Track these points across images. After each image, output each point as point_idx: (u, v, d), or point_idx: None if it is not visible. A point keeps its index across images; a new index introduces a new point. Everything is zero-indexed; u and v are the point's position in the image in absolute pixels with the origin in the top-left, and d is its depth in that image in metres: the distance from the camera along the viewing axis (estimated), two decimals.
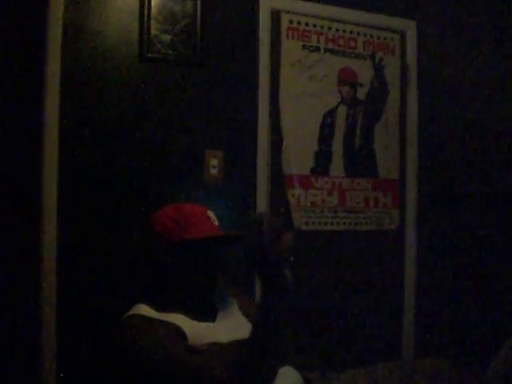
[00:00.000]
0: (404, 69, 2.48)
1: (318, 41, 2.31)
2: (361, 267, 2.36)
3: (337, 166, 2.35)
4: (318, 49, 2.31)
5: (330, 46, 2.34)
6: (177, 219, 1.35)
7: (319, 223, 2.30)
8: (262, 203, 2.16)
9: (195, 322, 1.28)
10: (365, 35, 2.41)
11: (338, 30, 2.35)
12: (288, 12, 2.25)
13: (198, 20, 2.05)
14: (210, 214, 1.41)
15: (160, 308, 1.29)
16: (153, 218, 1.40)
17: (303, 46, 2.28)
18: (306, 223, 2.27)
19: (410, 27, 2.49)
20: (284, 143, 2.24)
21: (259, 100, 2.18)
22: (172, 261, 1.34)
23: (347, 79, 2.37)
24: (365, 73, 2.41)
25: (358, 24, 2.38)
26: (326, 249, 2.30)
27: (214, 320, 1.36)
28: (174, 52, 2.02)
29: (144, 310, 1.29)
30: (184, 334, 1.22)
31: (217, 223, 1.41)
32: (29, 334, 1.79)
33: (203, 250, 1.35)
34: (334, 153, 2.34)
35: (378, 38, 2.44)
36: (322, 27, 2.32)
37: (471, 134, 2.60)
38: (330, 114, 2.34)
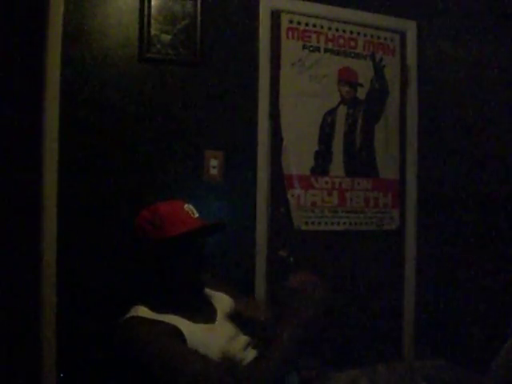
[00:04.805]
0: (404, 69, 2.48)
1: (318, 41, 2.31)
2: (361, 267, 2.36)
3: (337, 165, 2.35)
4: (318, 49, 2.31)
5: (330, 46, 2.34)
6: (152, 221, 1.36)
7: (319, 223, 2.30)
8: (261, 203, 2.16)
9: (194, 324, 1.28)
10: (365, 35, 2.41)
11: (337, 30, 2.35)
12: (288, 12, 2.25)
13: (198, 20, 2.05)
14: (188, 207, 1.41)
15: (158, 309, 1.29)
16: (133, 224, 1.41)
17: (303, 45, 2.28)
18: (306, 223, 2.27)
19: (410, 27, 2.49)
20: (284, 143, 2.24)
21: (259, 100, 2.18)
22: (157, 261, 1.35)
23: (347, 79, 2.37)
24: (365, 73, 2.41)
25: (358, 24, 2.38)
26: (326, 249, 2.30)
27: (214, 321, 1.36)
28: (173, 52, 2.02)
29: (142, 311, 1.29)
30: (182, 334, 1.22)
31: (196, 215, 1.40)
32: (29, 333, 1.79)
33: (184, 244, 1.35)
34: (333, 153, 2.34)
35: (378, 37, 2.43)
36: (322, 27, 2.32)
37: (471, 134, 2.60)
38: (330, 113, 2.34)
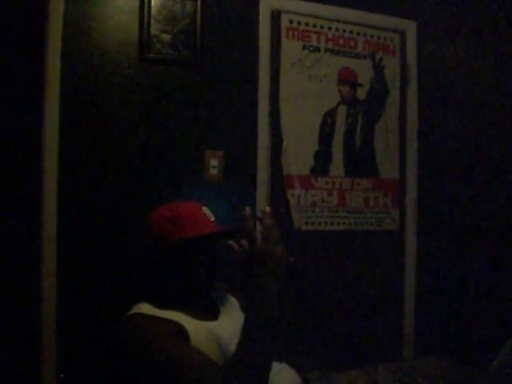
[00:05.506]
0: (404, 69, 2.48)
1: (318, 41, 2.31)
2: (361, 267, 2.36)
3: (337, 165, 2.35)
4: (318, 49, 2.31)
5: (330, 45, 2.34)
6: (173, 219, 1.34)
7: (319, 223, 2.30)
8: (261, 203, 2.16)
9: (197, 321, 1.27)
10: (365, 35, 2.41)
11: (338, 30, 2.35)
12: (288, 12, 2.25)
13: (198, 20, 2.05)
14: (206, 210, 1.41)
15: (161, 306, 1.29)
16: (150, 220, 1.40)
17: (303, 45, 2.29)
18: (306, 223, 2.27)
19: (410, 27, 2.49)
20: (284, 143, 2.24)
21: (259, 100, 2.18)
22: (171, 260, 1.34)
23: (347, 79, 2.37)
24: (365, 73, 2.41)
25: (358, 24, 2.38)
26: (325, 249, 2.30)
27: (216, 319, 1.36)
28: (174, 52, 2.02)
29: (145, 308, 1.29)
30: (186, 332, 1.22)
31: (213, 219, 1.41)
32: (29, 333, 1.79)
33: (202, 247, 1.35)
34: (333, 153, 2.34)
35: (378, 37, 2.44)
36: (321, 27, 2.32)
37: (471, 134, 2.61)
38: (330, 114, 2.34)
